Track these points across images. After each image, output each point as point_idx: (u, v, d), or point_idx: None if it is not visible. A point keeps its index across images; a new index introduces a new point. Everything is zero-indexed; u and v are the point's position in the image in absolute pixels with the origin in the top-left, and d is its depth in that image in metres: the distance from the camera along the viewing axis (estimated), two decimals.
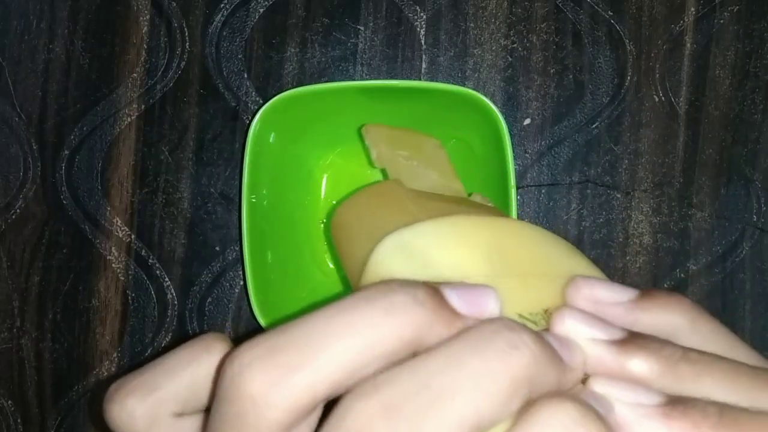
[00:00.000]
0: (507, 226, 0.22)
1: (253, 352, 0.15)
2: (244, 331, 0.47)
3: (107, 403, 0.18)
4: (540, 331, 0.16)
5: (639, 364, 0.16)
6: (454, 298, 0.16)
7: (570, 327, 0.16)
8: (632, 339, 0.16)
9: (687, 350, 0.16)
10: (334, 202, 0.46)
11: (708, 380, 0.15)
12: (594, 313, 0.17)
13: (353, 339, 0.15)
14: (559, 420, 0.13)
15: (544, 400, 0.14)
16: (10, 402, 0.47)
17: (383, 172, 0.43)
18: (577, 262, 0.21)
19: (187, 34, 0.47)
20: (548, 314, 0.18)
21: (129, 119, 0.47)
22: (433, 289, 0.16)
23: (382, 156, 0.40)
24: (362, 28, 0.47)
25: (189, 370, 0.18)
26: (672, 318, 0.17)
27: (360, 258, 0.21)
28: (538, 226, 0.22)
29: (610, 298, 0.18)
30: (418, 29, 0.47)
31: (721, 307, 0.46)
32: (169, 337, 0.46)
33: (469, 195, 0.42)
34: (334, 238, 0.31)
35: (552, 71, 0.46)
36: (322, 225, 0.46)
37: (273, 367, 0.14)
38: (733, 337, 0.18)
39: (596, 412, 0.14)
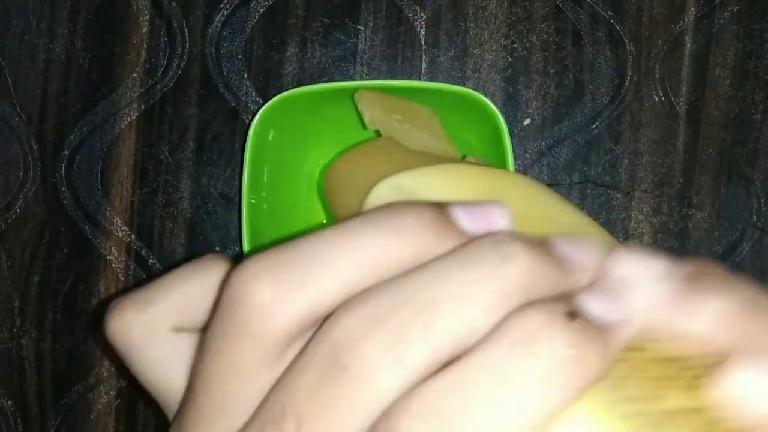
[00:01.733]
0: (504, 174, 0.21)
1: (260, 264, 0.15)
2: None
3: (107, 318, 0.18)
4: (541, 239, 0.15)
5: (718, 306, 0.13)
6: (459, 214, 0.15)
7: (624, 266, 0.14)
8: (699, 279, 0.14)
9: (756, 292, 0.14)
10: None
11: None
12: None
13: (359, 256, 0.15)
14: (524, 325, 0.13)
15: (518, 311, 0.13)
16: (10, 402, 0.47)
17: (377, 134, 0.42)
18: (576, 213, 0.21)
19: (187, 34, 0.47)
20: None
21: (129, 119, 0.47)
22: (439, 208, 0.15)
23: (376, 118, 0.39)
24: (362, 28, 0.47)
25: (187, 285, 0.18)
26: (722, 307, 0.14)
27: (354, 209, 0.21)
28: (536, 180, 0.22)
29: (649, 275, 0.15)
30: (418, 29, 0.47)
31: None
32: None
33: (463, 157, 0.42)
34: (328, 193, 0.30)
35: (552, 71, 0.46)
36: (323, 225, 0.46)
37: (279, 280, 0.14)
38: None
39: (563, 315, 0.13)
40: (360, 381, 0.13)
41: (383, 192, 0.19)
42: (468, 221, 0.15)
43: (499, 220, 0.16)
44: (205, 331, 0.16)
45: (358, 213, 0.17)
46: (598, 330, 0.13)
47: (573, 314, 0.13)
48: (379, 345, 0.13)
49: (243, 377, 0.15)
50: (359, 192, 0.21)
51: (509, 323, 0.13)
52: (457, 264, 0.14)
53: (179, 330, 0.18)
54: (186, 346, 0.18)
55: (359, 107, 0.40)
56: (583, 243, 0.15)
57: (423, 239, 0.15)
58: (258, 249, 0.42)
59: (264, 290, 0.14)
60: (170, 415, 0.19)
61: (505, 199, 0.18)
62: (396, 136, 0.39)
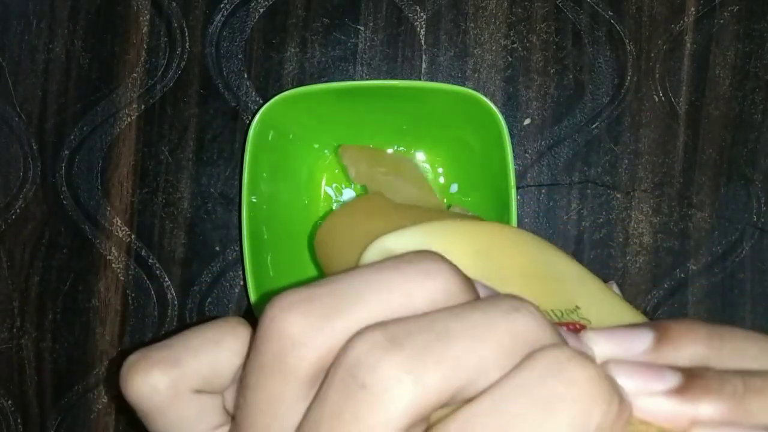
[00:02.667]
0: (492, 229, 0.22)
1: (293, 297, 0.15)
2: None
3: (128, 373, 0.18)
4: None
5: (708, 409, 0.15)
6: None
7: (629, 386, 0.16)
8: (692, 382, 0.16)
9: (746, 379, 0.16)
10: (334, 203, 0.46)
11: None
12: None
13: (390, 293, 0.15)
14: (546, 361, 0.14)
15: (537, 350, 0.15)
16: (10, 402, 0.47)
17: (364, 188, 0.44)
18: (567, 265, 0.21)
19: (187, 34, 0.47)
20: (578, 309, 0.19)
21: (129, 119, 0.47)
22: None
23: (361, 173, 0.41)
24: (362, 28, 0.47)
25: (213, 349, 0.18)
26: (694, 351, 0.17)
27: (348, 264, 0.21)
28: (523, 230, 0.22)
29: (628, 352, 0.17)
30: (418, 29, 0.47)
31: (721, 307, 0.46)
32: None
33: (449, 207, 0.42)
34: (319, 253, 0.31)
35: (552, 71, 0.46)
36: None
37: (312, 312, 0.15)
38: (755, 339, 0.17)
39: (587, 356, 0.14)
40: (380, 398, 0.14)
41: (373, 256, 0.20)
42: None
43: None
44: (244, 367, 0.16)
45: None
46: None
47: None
48: (398, 364, 0.14)
49: (281, 410, 0.15)
50: (350, 254, 0.22)
51: (536, 357, 0.14)
52: (472, 307, 0.15)
53: (202, 392, 0.18)
54: (208, 405, 0.18)
55: (344, 162, 0.42)
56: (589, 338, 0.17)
57: (451, 286, 0.16)
58: (259, 250, 0.42)
59: (297, 321, 0.15)
60: None
61: (496, 255, 0.19)
62: (382, 189, 0.40)
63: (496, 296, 0.16)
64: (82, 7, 0.47)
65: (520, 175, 0.46)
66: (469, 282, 0.16)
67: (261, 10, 0.47)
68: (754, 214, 0.46)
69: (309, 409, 0.15)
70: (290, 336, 0.15)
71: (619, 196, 0.46)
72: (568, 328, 0.18)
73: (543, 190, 0.46)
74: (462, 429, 0.14)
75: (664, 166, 0.46)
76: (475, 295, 0.16)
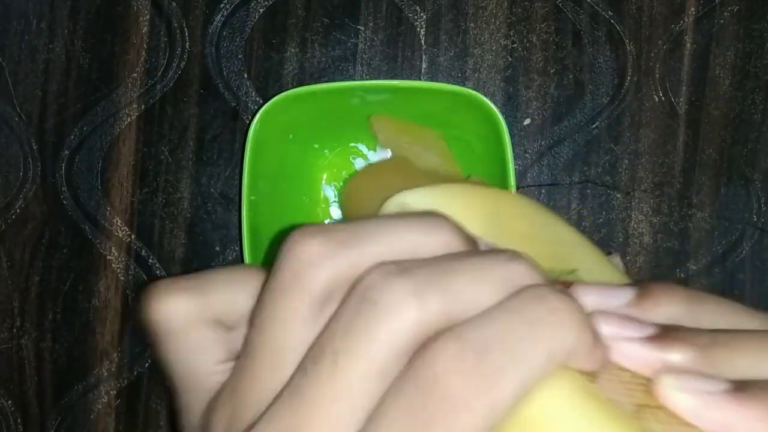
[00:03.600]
0: (505, 195, 0.23)
1: (312, 228, 0.17)
2: None
3: (156, 294, 0.19)
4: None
5: (677, 356, 0.17)
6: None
7: (607, 332, 0.17)
8: (665, 333, 0.17)
9: (714, 334, 0.17)
10: (333, 203, 0.46)
11: (741, 359, 0.17)
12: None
13: (400, 239, 0.17)
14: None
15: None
16: (10, 402, 0.47)
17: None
18: (568, 233, 0.23)
19: (187, 34, 0.47)
20: (576, 273, 0.20)
21: (129, 119, 0.47)
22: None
23: (388, 139, 0.44)
24: (362, 28, 0.47)
25: (234, 288, 0.20)
26: (670, 309, 0.18)
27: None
28: (532, 199, 0.23)
29: (612, 303, 0.19)
30: (418, 29, 0.47)
31: None
32: None
33: (468, 177, 0.44)
34: (346, 204, 0.33)
35: (552, 71, 0.46)
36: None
37: (330, 239, 0.17)
38: (730, 305, 0.19)
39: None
40: (387, 313, 0.15)
41: (392, 209, 0.21)
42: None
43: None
44: (262, 291, 0.18)
45: None
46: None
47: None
48: (406, 286, 0.16)
49: (294, 324, 0.17)
50: (373, 205, 0.23)
51: (525, 289, 0.16)
52: (474, 254, 0.17)
53: (216, 325, 0.20)
54: (218, 339, 0.20)
55: (373, 130, 0.44)
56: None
57: (455, 239, 0.18)
58: (259, 250, 0.42)
59: (315, 246, 0.17)
60: (186, 397, 0.20)
61: (504, 218, 0.21)
62: (406, 154, 0.43)
63: (496, 249, 0.18)
64: (82, 7, 0.47)
65: (520, 175, 0.46)
66: (470, 241, 0.18)
67: (261, 10, 0.47)
68: (754, 214, 0.46)
69: (325, 326, 0.16)
70: (308, 257, 0.17)
71: (619, 196, 0.46)
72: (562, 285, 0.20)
73: (543, 190, 0.46)
74: (456, 338, 0.15)
75: (664, 166, 0.46)
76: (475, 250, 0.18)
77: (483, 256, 0.17)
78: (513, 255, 0.17)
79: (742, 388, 0.16)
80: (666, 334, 0.17)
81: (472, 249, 0.18)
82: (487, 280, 0.16)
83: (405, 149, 0.43)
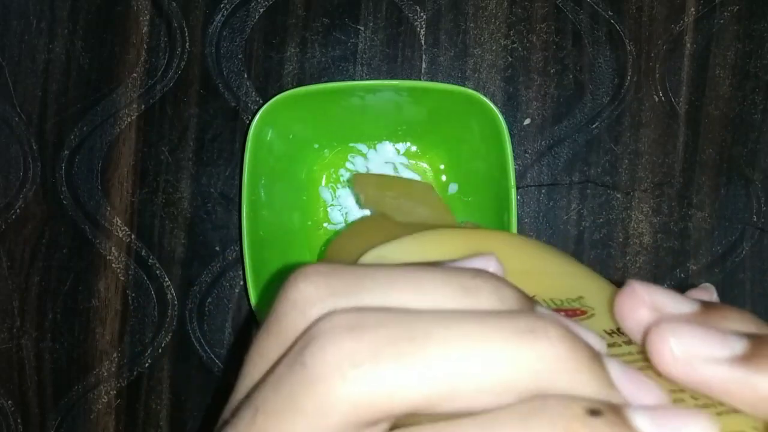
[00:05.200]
0: (496, 235, 0.21)
1: (316, 267, 0.15)
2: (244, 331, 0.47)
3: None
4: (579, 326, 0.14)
5: None
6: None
7: (677, 347, 0.13)
8: (759, 349, 0.13)
9: None
10: (332, 203, 0.46)
11: None
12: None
13: (405, 291, 0.14)
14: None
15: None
16: (10, 402, 0.47)
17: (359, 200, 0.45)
18: (570, 264, 0.21)
19: (187, 34, 0.47)
20: (581, 300, 0.18)
21: (129, 119, 0.47)
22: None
23: (369, 198, 0.42)
24: (362, 28, 0.47)
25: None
26: (741, 328, 0.15)
27: None
28: (526, 237, 0.21)
29: (674, 308, 0.15)
30: (418, 29, 0.47)
31: None
32: (169, 337, 0.46)
33: (462, 224, 0.43)
34: None
35: (552, 71, 0.46)
36: (321, 230, 0.46)
37: (324, 285, 0.14)
38: None
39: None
40: (316, 384, 0.13)
41: (368, 263, 0.19)
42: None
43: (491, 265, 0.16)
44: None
45: None
46: None
47: (595, 412, 0.12)
48: (347, 353, 0.13)
49: (260, 368, 0.15)
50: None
51: (528, 403, 0.12)
52: (475, 316, 0.13)
53: None
54: None
55: (354, 189, 0.43)
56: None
57: (461, 297, 0.14)
58: (259, 250, 0.43)
59: (305, 289, 0.14)
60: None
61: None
62: (389, 211, 0.41)
63: (521, 311, 0.14)
64: (82, 7, 0.47)
65: (520, 175, 0.46)
66: (527, 302, 0.14)
67: (261, 10, 0.47)
68: (754, 214, 0.46)
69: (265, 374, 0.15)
70: (293, 300, 0.14)
71: (619, 196, 0.46)
72: (568, 314, 0.18)
73: (543, 190, 0.46)
74: None
75: (664, 166, 0.46)
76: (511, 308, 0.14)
77: (485, 321, 0.13)
78: (534, 324, 0.13)
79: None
80: (761, 350, 0.13)
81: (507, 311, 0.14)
82: (484, 357, 0.12)
83: (390, 205, 0.41)
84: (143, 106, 0.47)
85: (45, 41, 0.47)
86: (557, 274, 0.20)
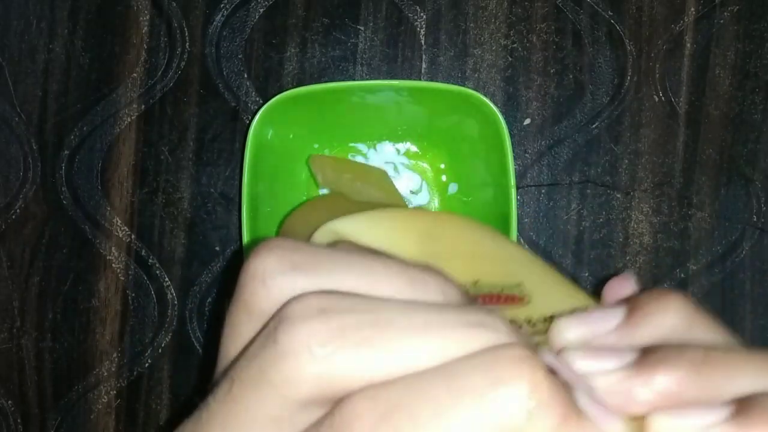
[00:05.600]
0: (445, 217, 0.22)
1: (281, 242, 0.16)
2: None
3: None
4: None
5: (663, 380, 0.14)
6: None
7: (579, 367, 0.15)
8: (646, 357, 0.15)
9: (706, 351, 0.15)
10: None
11: (741, 378, 0.14)
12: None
13: (371, 274, 0.15)
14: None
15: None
16: (10, 402, 0.47)
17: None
18: (515, 250, 0.22)
19: (187, 34, 0.47)
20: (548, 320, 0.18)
21: (129, 119, 0.47)
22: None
23: (327, 178, 0.43)
24: (362, 28, 0.47)
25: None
26: (666, 321, 0.16)
27: None
28: (473, 219, 0.22)
29: (600, 330, 0.16)
30: (418, 29, 0.47)
31: (721, 307, 0.46)
32: (169, 337, 0.46)
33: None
34: None
35: (552, 71, 0.46)
36: None
37: (287, 258, 0.15)
38: (724, 329, 0.17)
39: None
40: (285, 360, 0.14)
41: (321, 237, 0.20)
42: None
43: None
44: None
45: None
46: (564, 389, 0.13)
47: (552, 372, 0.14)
48: (316, 333, 0.14)
49: (238, 339, 0.16)
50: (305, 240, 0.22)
51: (475, 356, 0.13)
52: (437, 307, 0.15)
53: None
54: None
55: (312, 170, 0.44)
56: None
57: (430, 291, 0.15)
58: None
59: (268, 262, 0.15)
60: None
61: (443, 238, 0.19)
62: (346, 192, 0.43)
63: (467, 306, 0.15)
64: (82, 7, 0.47)
65: (520, 175, 0.46)
66: (464, 298, 0.16)
67: (261, 10, 0.47)
68: (754, 214, 0.46)
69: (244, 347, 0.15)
70: (255, 272, 0.15)
71: (619, 196, 0.46)
72: (505, 300, 0.19)
73: (543, 190, 0.46)
74: (366, 398, 0.13)
75: (664, 166, 0.46)
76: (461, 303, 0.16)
77: (444, 312, 0.14)
78: (483, 319, 0.14)
79: (744, 410, 0.14)
80: (647, 357, 0.15)
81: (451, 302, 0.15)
82: (435, 343, 0.14)
83: (346, 186, 0.42)
84: (143, 106, 0.47)
85: (45, 41, 0.47)
86: (500, 259, 0.21)
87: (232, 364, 0.15)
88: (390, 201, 0.43)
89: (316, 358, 0.14)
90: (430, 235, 0.20)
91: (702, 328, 0.16)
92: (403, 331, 0.14)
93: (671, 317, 0.16)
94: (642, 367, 0.15)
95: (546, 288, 0.20)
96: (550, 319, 0.18)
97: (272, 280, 0.15)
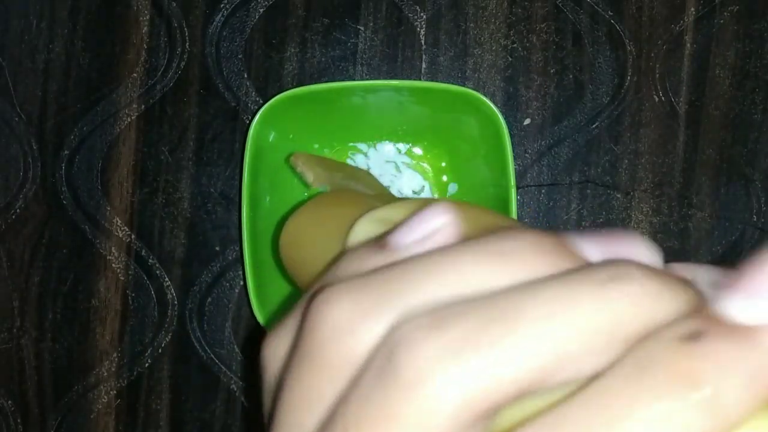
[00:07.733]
0: (475, 206, 0.21)
1: (342, 285, 0.13)
2: (245, 331, 0.47)
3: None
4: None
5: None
6: (584, 244, 0.14)
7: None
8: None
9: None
10: None
11: None
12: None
13: (458, 277, 0.13)
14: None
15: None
16: (10, 402, 0.47)
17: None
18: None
19: (187, 34, 0.47)
20: None
21: (129, 119, 0.47)
22: (558, 236, 0.14)
23: (320, 176, 0.40)
24: (362, 28, 0.47)
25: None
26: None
27: (326, 257, 0.19)
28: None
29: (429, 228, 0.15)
30: (418, 29, 0.47)
31: None
32: (169, 337, 0.46)
33: None
34: (285, 257, 0.29)
35: (552, 71, 0.46)
36: None
37: (360, 300, 0.13)
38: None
39: None
40: (410, 388, 0.11)
41: (367, 226, 0.17)
42: (594, 250, 0.14)
43: (632, 248, 0.14)
44: (285, 367, 0.14)
45: (341, 253, 0.16)
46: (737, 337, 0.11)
47: (694, 335, 0.11)
48: (444, 345, 0.12)
49: (319, 407, 0.13)
50: (325, 244, 0.20)
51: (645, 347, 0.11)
52: (553, 280, 0.12)
53: None
54: None
55: (298, 169, 0.40)
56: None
57: (535, 266, 0.13)
58: (259, 250, 0.42)
59: (345, 308, 0.13)
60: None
61: (487, 227, 0.17)
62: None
63: (592, 265, 0.13)
64: (82, 7, 0.47)
65: (520, 175, 0.46)
66: (566, 250, 0.13)
67: (261, 10, 0.47)
68: (754, 214, 0.46)
69: (341, 398, 0.13)
70: (335, 324, 0.13)
71: (619, 196, 0.46)
72: None
73: (543, 190, 0.46)
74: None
75: (664, 166, 0.46)
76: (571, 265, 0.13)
77: (566, 282, 0.12)
78: (618, 271, 0.12)
79: None
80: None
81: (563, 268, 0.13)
82: (576, 321, 0.12)
83: (340, 185, 0.40)
84: (143, 106, 0.47)
85: (45, 41, 0.47)
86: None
87: (329, 425, 0.13)
88: (387, 199, 0.42)
89: (451, 376, 0.11)
90: (477, 221, 0.17)
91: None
92: (538, 316, 0.12)
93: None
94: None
95: None
96: None
97: (359, 326, 0.13)
